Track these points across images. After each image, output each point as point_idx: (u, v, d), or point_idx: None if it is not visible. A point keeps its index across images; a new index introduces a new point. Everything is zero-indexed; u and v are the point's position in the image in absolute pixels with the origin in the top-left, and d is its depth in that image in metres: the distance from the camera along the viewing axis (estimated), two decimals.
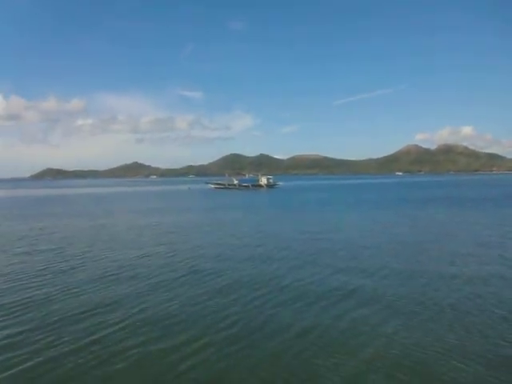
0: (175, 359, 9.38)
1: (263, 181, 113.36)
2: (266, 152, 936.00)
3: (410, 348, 9.76)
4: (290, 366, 9.05)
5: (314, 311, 12.34)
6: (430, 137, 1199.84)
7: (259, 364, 9.16)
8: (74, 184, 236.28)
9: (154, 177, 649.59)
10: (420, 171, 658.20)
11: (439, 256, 20.09)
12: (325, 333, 10.72)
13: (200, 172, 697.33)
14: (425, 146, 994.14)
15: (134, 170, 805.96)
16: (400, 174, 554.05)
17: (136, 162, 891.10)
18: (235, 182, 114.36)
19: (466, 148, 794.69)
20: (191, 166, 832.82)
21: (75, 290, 14.74)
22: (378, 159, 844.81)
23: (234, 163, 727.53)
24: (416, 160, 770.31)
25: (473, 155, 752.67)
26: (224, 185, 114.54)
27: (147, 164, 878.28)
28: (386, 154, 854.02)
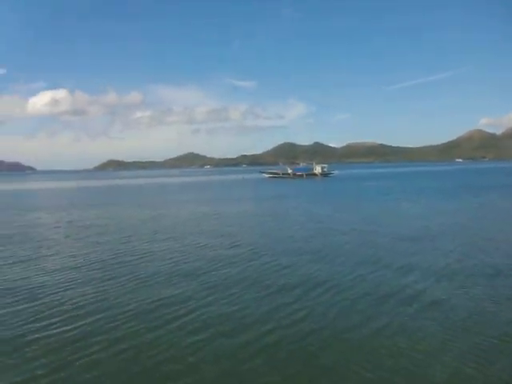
0: (244, 356, 9.19)
1: (318, 169, 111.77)
2: (320, 140, 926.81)
3: None
4: (362, 364, 8.59)
5: (381, 312, 11.66)
6: (496, 121, 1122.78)
7: (330, 364, 8.81)
8: (134, 175, 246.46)
9: (208, 167, 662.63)
10: (484, 158, 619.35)
11: None
12: (395, 335, 10.14)
13: (254, 161, 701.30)
14: (490, 130, 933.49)
15: (190, 160, 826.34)
16: (460, 160, 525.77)
17: (192, 153, 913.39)
18: (289, 171, 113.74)
19: None
20: (245, 155, 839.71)
21: (142, 281, 15.00)
22: (437, 146, 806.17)
23: (287, 152, 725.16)
24: (480, 146, 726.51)
25: None
26: (278, 174, 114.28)
27: (202, 154, 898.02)
28: (445, 141, 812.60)
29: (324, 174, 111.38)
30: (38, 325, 11.04)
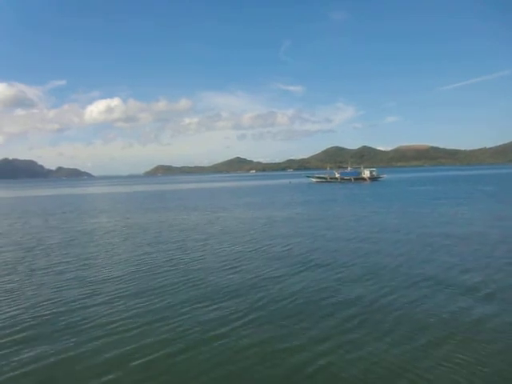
0: (301, 359, 9.14)
1: (366, 173, 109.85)
2: (368, 144, 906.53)
3: None
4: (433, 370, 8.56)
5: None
6: None
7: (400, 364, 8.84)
8: (182, 180, 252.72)
9: (253, 171, 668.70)
10: None
11: None
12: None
13: (301, 166, 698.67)
14: None
15: (237, 165, 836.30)
16: None
17: (238, 157, 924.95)
18: (337, 175, 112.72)
19: None
20: (292, 159, 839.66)
21: (197, 282, 15.46)
22: (492, 148, 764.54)
23: (335, 156, 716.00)
24: None
25: None
26: (325, 178, 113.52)
27: (249, 159, 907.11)
28: (501, 143, 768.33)
29: (373, 178, 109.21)
30: (111, 326, 11.59)
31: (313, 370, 8.77)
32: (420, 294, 13.17)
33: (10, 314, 12.60)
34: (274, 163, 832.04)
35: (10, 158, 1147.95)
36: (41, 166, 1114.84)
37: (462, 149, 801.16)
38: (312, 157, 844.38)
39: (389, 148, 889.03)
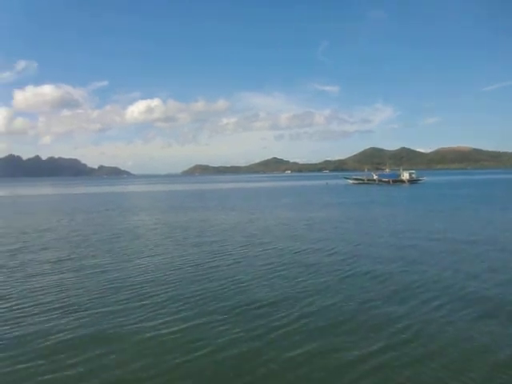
0: (350, 366, 9.03)
1: (405, 176, 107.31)
2: (407, 145, 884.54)
3: None
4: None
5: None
6: None
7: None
8: (219, 179, 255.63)
9: (289, 172, 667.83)
10: None
11: None
12: None
13: (338, 167, 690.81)
14: None
15: (273, 166, 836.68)
16: None
17: (275, 158, 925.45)
18: (375, 177, 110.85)
19: None
20: (328, 160, 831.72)
21: (241, 285, 15.47)
22: None
23: (372, 157, 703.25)
24: None
25: None
26: (363, 180, 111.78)
27: (285, 159, 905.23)
28: None
29: (412, 181, 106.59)
30: (150, 323, 11.93)
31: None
32: (471, 317, 11.61)
33: (56, 307, 13.26)
34: (311, 164, 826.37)
35: (56, 156, 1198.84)
36: (84, 165, 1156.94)
37: (508, 151, 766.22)
38: (349, 158, 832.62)
39: (428, 150, 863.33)
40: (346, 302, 13.12)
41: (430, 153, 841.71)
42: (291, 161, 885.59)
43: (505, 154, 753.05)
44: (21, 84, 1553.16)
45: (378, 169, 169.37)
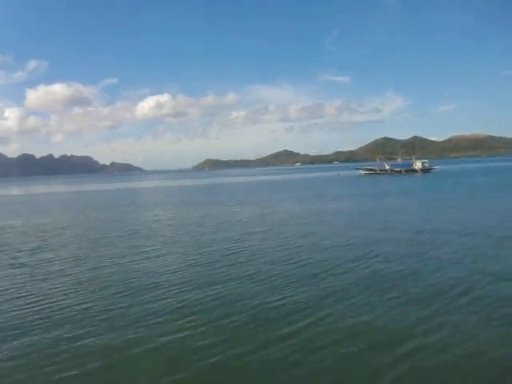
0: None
1: (418, 165, 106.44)
2: (419, 134, 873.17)
3: None
4: None
5: None
6: None
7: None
8: (230, 173, 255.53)
9: (299, 164, 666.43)
10: None
11: None
12: None
13: (349, 158, 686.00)
14: None
15: (284, 158, 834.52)
16: None
17: (285, 150, 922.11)
18: (387, 167, 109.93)
19: None
20: (340, 151, 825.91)
21: (261, 275, 15.70)
22: None
23: (384, 147, 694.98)
24: None
25: None
26: (375, 170, 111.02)
27: (296, 151, 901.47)
28: None
29: (425, 170, 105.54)
30: (172, 323, 12.05)
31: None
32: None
33: (79, 305, 13.62)
34: (322, 155, 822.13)
35: (68, 154, 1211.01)
36: (96, 162, 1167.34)
37: None
38: (360, 148, 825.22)
39: (441, 138, 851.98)
40: (373, 304, 12.22)
41: (443, 141, 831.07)
42: (302, 153, 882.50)
43: None
44: (32, 83, 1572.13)
45: (390, 158, 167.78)
